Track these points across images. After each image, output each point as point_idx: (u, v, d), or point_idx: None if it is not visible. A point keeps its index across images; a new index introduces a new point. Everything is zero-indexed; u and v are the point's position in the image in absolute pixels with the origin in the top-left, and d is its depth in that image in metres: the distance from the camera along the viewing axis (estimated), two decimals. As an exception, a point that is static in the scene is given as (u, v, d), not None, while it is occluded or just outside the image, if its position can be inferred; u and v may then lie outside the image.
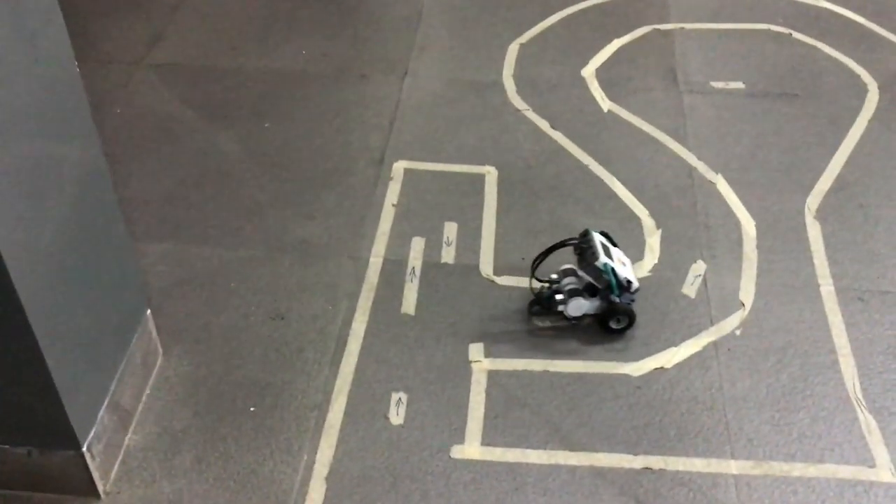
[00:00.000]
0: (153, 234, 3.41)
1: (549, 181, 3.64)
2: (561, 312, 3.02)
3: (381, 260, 3.31)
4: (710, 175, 3.64)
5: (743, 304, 3.13)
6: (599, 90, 4.11)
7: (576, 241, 3.05)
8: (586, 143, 3.81)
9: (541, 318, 3.09)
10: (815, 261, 3.27)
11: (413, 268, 3.29)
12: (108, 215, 2.52)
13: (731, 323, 3.07)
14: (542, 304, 3.06)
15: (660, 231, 3.40)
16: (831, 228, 3.39)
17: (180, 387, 2.86)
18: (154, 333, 2.88)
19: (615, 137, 3.85)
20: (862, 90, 4.07)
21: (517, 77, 4.20)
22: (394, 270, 3.27)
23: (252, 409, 2.80)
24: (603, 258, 2.94)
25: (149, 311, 2.83)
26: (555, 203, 3.53)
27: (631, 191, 3.58)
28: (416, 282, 3.23)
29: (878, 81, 4.12)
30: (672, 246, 3.35)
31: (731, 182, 3.60)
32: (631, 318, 3.00)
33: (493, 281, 3.23)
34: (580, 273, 3.01)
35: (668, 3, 4.66)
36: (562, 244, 3.07)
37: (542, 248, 3.11)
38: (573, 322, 3.04)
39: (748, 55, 4.30)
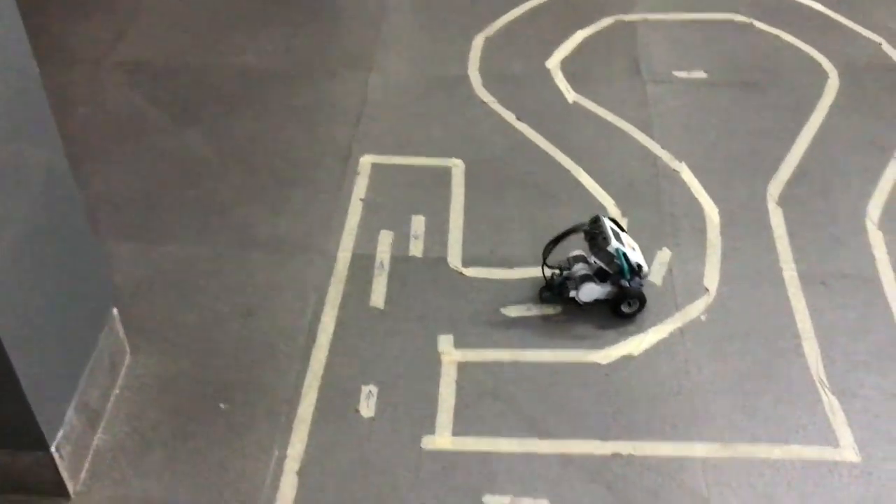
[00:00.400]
0: (120, 233, 3.39)
1: (515, 173, 3.66)
2: (572, 298, 3.04)
3: (349, 254, 3.31)
4: (674, 164, 3.68)
5: (708, 290, 3.17)
6: (564, 82, 4.14)
7: (587, 228, 3.06)
8: (552, 135, 3.84)
9: (551, 305, 3.10)
10: (778, 246, 3.32)
11: (382, 261, 3.30)
12: (73, 215, 2.51)
13: (696, 308, 3.11)
14: (552, 290, 3.08)
15: (626, 220, 3.43)
16: (793, 214, 3.44)
17: (149, 385, 2.85)
18: (122, 332, 2.86)
19: (580, 128, 3.88)
20: (822, 77, 4.13)
21: (483, 70, 4.22)
22: (362, 264, 3.28)
23: (222, 406, 2.80)
24: (615, 243, 2.97)
25: (116, 310, 2.82)
26: (522, 194, 3.56)
27: (597, 180, 3.61)
28: (384, 275, 3.24)
29: (838, 69, 4.18)
30: (638, 234, 3.37)
31: (695, 170, 3.64)
32: (642, 302, 3.03)
33: (461, 273, 3.25)
34: (591, 259, 3.03)
35: (631, -5, 4.70)
36: (573, 230, 3.06)
37: (511, 238, 3.14)
38: (584, 307, 3.05)
39: (710, 45, 4.34)
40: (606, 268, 3.00)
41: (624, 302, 3.02)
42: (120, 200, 3.54)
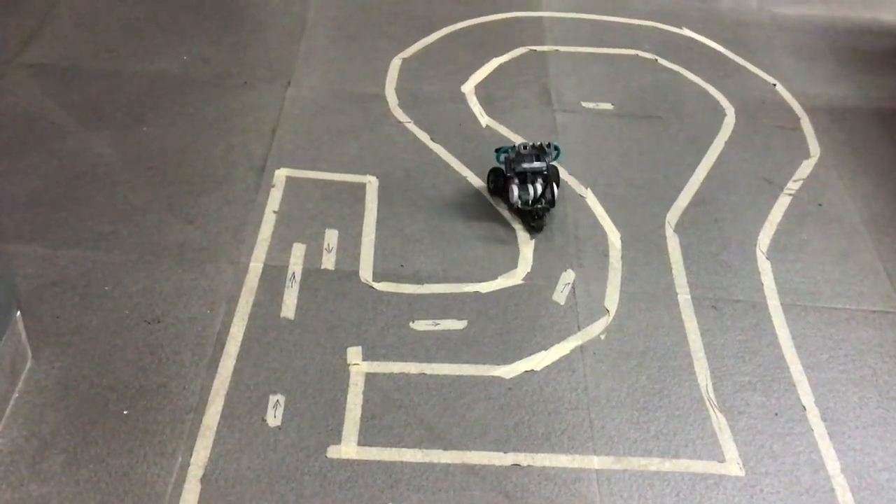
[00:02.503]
0: (23, 236, 3.32)
1: (427, 191, 3.74)
2: (523, 171, 3.59)
3: (261, 265, 3.33)
4: (581, 189, 3.83)
5: (608, 311, 3.31)
6: (478, 106, 4.26)
7: (532, 145, 3.65)
8: (465, 156, 3.94)
9: (494, 193, 3.72)
10: (674, 271, 3.49)
11: (293, 273, 3.32)
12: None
13: (596, 328, 3.24)
14: (502, 172, 3.68)
15: (533, 241, 3.55)
16: (689, 241, 3.63)
17: (50, 390, 2.80)
18: (23, 336, 2.81)
19: (493, 151, 3.99)
20: (720, 114, 4.37)
21: (399, 90, 4.30)
22: (274, 276, 3.30)
23: (125, 412, 2.77)
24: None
25: (18, 313, 2.77)
26: (433, 213, 3.64)
27: (507, 202, 3.72)
28: (295, 287, 3.27)
29: (735, 106, 4.42)
30: (544, 256, 3.50)
31: (600, 196, 3.80)
32: (540, 223, 3.60)
33: (371, 286, 3.30)
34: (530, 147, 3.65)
35: (544, 26, 4.86)
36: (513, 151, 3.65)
37: (421, 254, 3.24)
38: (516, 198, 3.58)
39: (617, 79, 4.54)
40: (539, 151, 3.63)
41: (548, 188, 3.58)
42: (25, 203, 3.47)
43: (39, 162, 3.66)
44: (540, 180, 3.55)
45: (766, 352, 3.21)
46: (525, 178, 3.56)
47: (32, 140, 3.76)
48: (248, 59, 4.41)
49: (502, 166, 3.65)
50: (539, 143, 3.64)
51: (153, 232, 3.41)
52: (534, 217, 3.54)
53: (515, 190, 3.54)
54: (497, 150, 3.69)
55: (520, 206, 3.55)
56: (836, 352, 3.23)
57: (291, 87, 4.24)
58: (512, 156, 3.59)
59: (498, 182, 3.66)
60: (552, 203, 3.56)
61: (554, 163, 3.67)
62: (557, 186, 3.60)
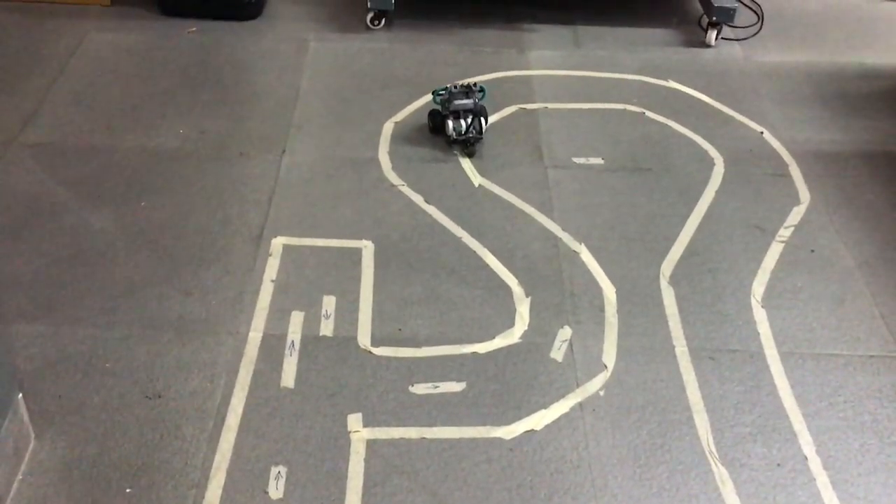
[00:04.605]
0: (25, 315, 3.37)
1: (423, 254, 3.79)
2: (456, 110, 4.36)
3: (260, 335, 3.36)
4: (574, 245, 3.87)
5: (606, 367, 3.33)
6: (470, 166, 4.33)
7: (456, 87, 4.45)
8: (459, 217, 4.00)
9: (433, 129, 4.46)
10: (670, 323, 3.52)
11: (292, 341, 3.35)
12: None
13: (595, 384, 3.26)
14: (439, 114, 4.44)
15: (529, 299, 3.59)
16: (684, 292, 3.66)
17: (54, 471, 2.82)
18: (26, 417, 2.84)
19: (486, 211, 4.05)
20: (709, 164, 4.43)
21: (392, 154, 4.38)
22: (273, 345, 3.33)
23: (128, 490, 2.79)
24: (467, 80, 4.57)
25: (20, 395, 2.79)
26: (429, 275, 3.68)
27: (502, 261, 3.77)
28: (295, 355, 3.30)
29: (724, 156, 4.49)
30: (540, 313, 3.53)
31: (593, 251, 3.84)
32: (485, 116, 4.43)
33: (370, 352, 3.33)
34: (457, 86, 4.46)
35: (532, 85, 4.96)
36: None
37: (419, 317, 3.26)
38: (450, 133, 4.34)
39: (606, 133, 4.61)
40: (468, 89, 4.41)
41: (475, 120, 4.37)
42: (25, 281, 3.52)
43: (41, 241, 3.72)
44: (470, 116, 4.33)
45: (766, 401, 3.22)
46: (458, 115, 4.31)
47: (34, 219, 3.83)
48: (244, 129, 4.49)
49: (439, 107, 4.37)
50: (467, 83, 4.45)
51: (153, 306, 3.45)
52: (466, 145, 4.34)
53: (451, 124, 4.33)
54: (433, 92, 4.49)
55: (455, 137, 4.27)
56: (835, 399, 3.24)
57: (286, 155, 4.32)
58: (445, 96, 4.34)
59: (436, 121, 4.44)
60: (480, 132, 4.36)
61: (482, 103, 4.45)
62: (485, 121, 4.39)
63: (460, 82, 4.51)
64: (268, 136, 4.45)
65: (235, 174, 4.18)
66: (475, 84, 4.47)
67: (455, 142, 4.37)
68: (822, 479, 2.96)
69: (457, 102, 4.36)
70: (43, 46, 5.02)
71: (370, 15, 5.35)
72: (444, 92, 4.43)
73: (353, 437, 3.01)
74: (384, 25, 5.39)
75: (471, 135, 4.35)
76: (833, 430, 3.13)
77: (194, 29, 5.27)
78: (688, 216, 4.08)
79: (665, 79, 5.08)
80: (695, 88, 5.02)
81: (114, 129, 4.41)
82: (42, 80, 4.73)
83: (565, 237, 3.92)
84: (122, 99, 4.65)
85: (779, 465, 3.00)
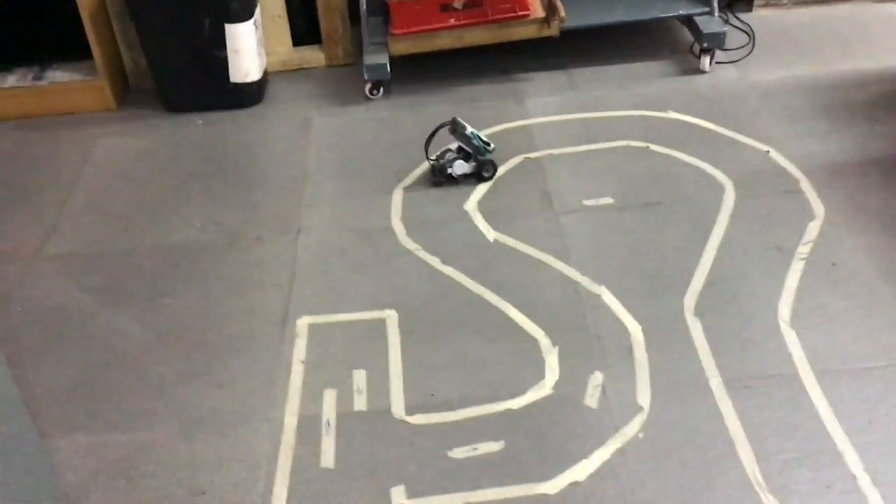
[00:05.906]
0: (64, 427, 3.42)
1: (447, 316, 3.81)
2: (451, 175, 4.51)
3: (295, 418, 3.39)
4: (595, 288, 3.88)
5: (642, 408, 3.31)
6: (483, 221, 4.37)
7: (449, 124, 4.52)
8: (477, 274, 4.03)
9: (440, 186, 4.57)
10: (701, 356, 3.50)
11: (328, 420, 3.38)
12: (16, 423, 2.56)
13: (633, 427, 3.24)
14: (436, 173, 4.55)
15: (557, 348, 3.59)
16: (710, 323, 3.65)
17: (107, 581, 2.84)
18: (74, 531, 2.87)
19: (504, 265, 4.08)
20: (719, 190, 4.44)
21: (405, 219, 4.43)
22: (309, 426, 3.35)
23: (182, 592, 2.80)
24: (469, 128, 4.50)
25: (66, 510, 2.83)
26: (455, 336, 3.70)
27: (525, 314, 3.79)
28: (332, 434, 3.32)
29: (732, 179, 4.50)
30: (569, 361, 3.54)
31: (615, 292, 3.85)
32: (495, 167, 4.59)
33: (405, 421, 3.34)
34: (458, 144, 4.53)
35: (533, 133, 5.01)
36: (441, 127, 4.55)
37: (449, 381, 3.27)
38: (459, 179, 4.55)
39: (613, 171, 4.65)
40: (467, 147, 4.50)
41: (483, 170, 4.55)
42: (61, 393, 3.58)
43: (71, 351, 3.79)
44: (461, 157, 4.54)
45: (807, 424, 3.19)
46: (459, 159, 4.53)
47: (63, 330, 3.91)
48: (258, 214, 4.57)
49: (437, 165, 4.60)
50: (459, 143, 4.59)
51: (187, 403, 3.49)
52: (481, 170, 4.58)
53: (456, 165, 4.53)
54: (428, 159, 4.66)
55: (466, 172, 4.56)
56: (875, 413, 3.20)
57: (302, 234, 4.39)
58: (438, 166, 4.57)
59: (439, 177, 4.61)
60: (487, 144, 4.58)
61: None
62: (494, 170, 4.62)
63: (452, 146, 4.63)
64: (281, 218, 4.52)
65: (254, 260, 4.24)
66: (475, 135, 4.56)
67: (469, 175, 4.57)
68: (873, 497, 2.91)
69: (451, 170, 4.54)
70: (56, 158, 5.16)
71: (368, 85, 5.45)
72: (436, 160, 4.60)
73: (398, 510, 3.01)
74: (383, 94, 5.49)
75: (480, 158, 4.54)
76: (878, 444, 3.09)
77: (200, 122, 5.40)
78: (704, 245, 4.08)
79: (664, 110, 5.12)
80: (695, 116, 5.05)
81: (131, 232, 4.51)
82: (58, 191, 4.86)
83: (585, 281, 3.93)
84: (136, 200, 4.75)
85: (828, 487, 2.96)
